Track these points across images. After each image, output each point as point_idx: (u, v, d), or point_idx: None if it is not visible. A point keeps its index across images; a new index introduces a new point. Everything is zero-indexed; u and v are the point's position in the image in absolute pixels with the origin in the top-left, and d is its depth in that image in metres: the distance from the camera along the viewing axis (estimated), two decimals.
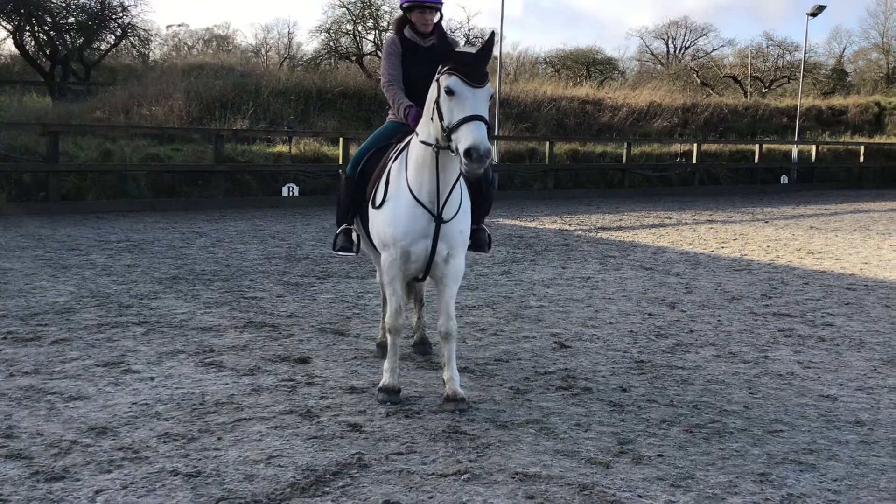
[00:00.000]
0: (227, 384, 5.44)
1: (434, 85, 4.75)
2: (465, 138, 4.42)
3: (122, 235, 12.12)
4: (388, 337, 5.29)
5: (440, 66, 4.73)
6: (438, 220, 4.95)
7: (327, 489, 3.91)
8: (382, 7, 36.12)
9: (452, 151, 4.59)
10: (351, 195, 5.57)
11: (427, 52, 5.46)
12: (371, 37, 37.40)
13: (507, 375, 5.84)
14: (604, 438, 4.67)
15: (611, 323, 7.57)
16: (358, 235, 5.69)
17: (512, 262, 10.83)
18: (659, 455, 4.44)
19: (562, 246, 12.44)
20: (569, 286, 9.27)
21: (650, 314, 7.97)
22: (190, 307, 7.66)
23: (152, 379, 5.50)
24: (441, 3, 5.55)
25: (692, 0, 73.05)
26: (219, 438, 4.50)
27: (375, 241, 5.28)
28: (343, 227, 5.67)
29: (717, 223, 16.28)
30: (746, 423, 5.00)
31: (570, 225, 15.22)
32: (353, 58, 37.12)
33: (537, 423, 4.88)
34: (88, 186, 15.74)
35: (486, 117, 4.56)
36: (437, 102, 4.67)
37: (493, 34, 4.84)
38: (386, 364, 5.27)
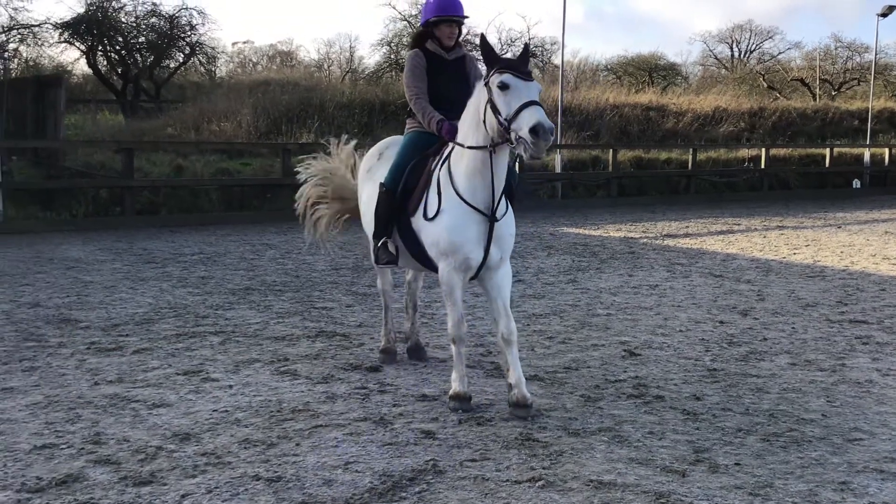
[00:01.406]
0: (302, 392, 5.56)
1: (481, 89, 4.99)
2: (528, 120, 4.60)
3: (195, 248, 12.44)
4: (453, 346, 5.34)
5: (487, 71, 4.96)
6: (492, 219, 5.10)
7: (404, 494, 3.98)
8: (466, 16, 36.40)
9: (513, 141, 4.73)
10: (392, 208, 5.53)
11: (452, 65, 5.72)
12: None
13: (577, 383, 5.84)
14: (678, 447, 4.64)
15: (681, 331, 7.50)
16: (396, 247, 5.61)
17: (577, 270, 10.79)
18: (736, 464, 4.40)
19: (627, 254, 12.36)
20: (636, 294, 9.21)
21: (721, 322, 7.87)
22: (263, 317, 7.83)
23: (231, 387, 5.66)
24: (466, 17, 5.76)
25: (758, 1, 71.64)
26: (297, 444, 4.61)
27: (432, 252, 5.28)
28: (383, 239, 5.61)
29: (787, 229, 15.96)
30: (825, 431, 4.92)
31: (635, 232, 15.10)
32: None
33: (610, 431, 4.87)
34: (162, 201, 16.18)
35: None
36: (489, 102, 4.85)
37: (526, 46, 5.36)
38: (454, 373, 5.34)
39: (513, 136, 4.70)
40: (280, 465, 4.33)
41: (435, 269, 5.37)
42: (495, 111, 4.80)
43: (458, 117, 5.28)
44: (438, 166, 5.32)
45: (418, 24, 5.83)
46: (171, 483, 4.09)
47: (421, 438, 4.72)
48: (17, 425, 4.88)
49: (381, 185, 5.57)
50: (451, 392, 5.31)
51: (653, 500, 3.94)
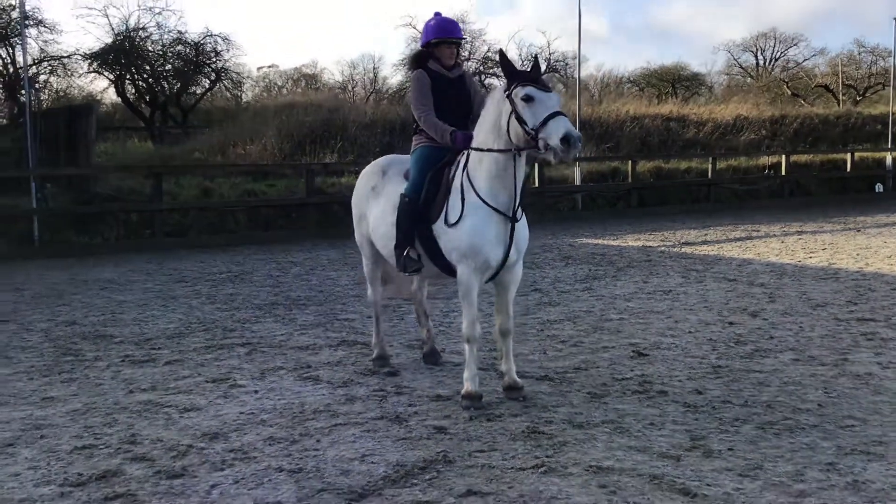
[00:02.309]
0: (323, 395, 5.90)
1: (501, 100, 5.35)
2: (558, 129, 4.99)
3: (223, 267, 12.86)
4: (466, 346, 5.64)
5: (507, 84, 5.31)
6: (513, 220, 5.46)
7: (415, 481, 4.28)
8: (464, 38, 36.97)
9: (542, 149, 5.10)
10: (415, 217, 5.74)
11: (455, 82, 6.04)
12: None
13: (584, 382, 6.12)
14: (676, 435, 4.91)
15: (690, 332, 7.74)
16: (419, 254, 5.86)
17: (593, 278, 11.06)
18: (729, 449, 4.66)
19: (644, 261, 12.59)
20: (650, 299, 9.45)
21: (731, 323, 8.10)
22: (287, 329, 8.19)
23: (256, 392, 6.00)
24: (464, 39, 6.12)
25: (784, 9, 71.45)
26: (318, 441, 4.93)
27: (453, 256, 5.56)
28: (407, 248, 5.83)
29: (806, 234, 16.09)
30: (819, 419, 5.16)
31: (653, 241, 15.32)
32: None
33: (612, 423, 5.15)
34: (190, 223, 16.66)
35: None
36: (513, 113, 5.22)
37: (535, 58, 5.73)
38: (466, 373, 5.64)
39: (541, 143, 5.07)
40: (301, 458, 4.65)
41: (453, 273, 5.66)
42: (520, 121, 5.17)
43: (463, 130, 5.68)
44: (457, 174, 5.64)
45: (417, 46, 6.14)
46: (201, 475, 4.43)
47: (433, 433, 5.03)
48: (58, 429, 5.25)
49: (403, 195, 5.81)
50: (463, 391, 5.61)
51: (647, 481, 4.21)
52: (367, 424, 5.23)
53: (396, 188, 6.02)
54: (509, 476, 4.32)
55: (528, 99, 5.16)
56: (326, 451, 4.77)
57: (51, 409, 5.69)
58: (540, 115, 5.09)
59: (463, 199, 5.49)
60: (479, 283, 5.55)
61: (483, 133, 5.50)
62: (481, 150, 5.47)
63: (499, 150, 5.38)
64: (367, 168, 6.58)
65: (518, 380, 5.77)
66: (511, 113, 5.23)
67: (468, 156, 5.61)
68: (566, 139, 4.94)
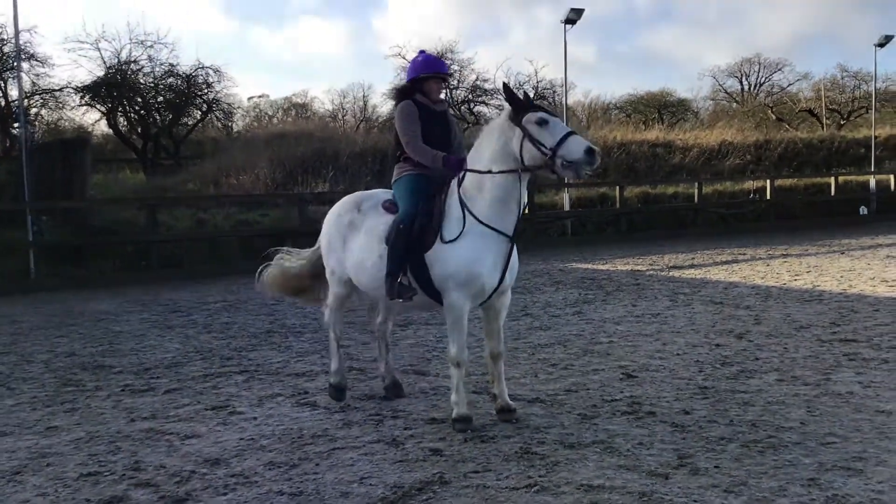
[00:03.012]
0: (321, 420, 6.05)
1: (510, 128, 5.60)
2: (579, 144, 5.31)
3: (218, 297, 13.01)
4: (454, 370, 5.75)
5: (515, 112, 5.58)
6: (513, 239, 5.68)
7: (412, 502, 4.44)
8: (452, 66, 37.29)
9: (559, 167, 5.38)
10: (409, 244, 5.77)
11: (440, 115, 6.25)
12: (442, 95, 38.55)
13: (575, 404, 6.29)
14: (664, 454, 5.08)
15: (678, 354, 7.93)
16: (409, 281, 5.86)
17: (584, 302, 11.25)
18: (715, 467, 4.83)
19: (633, 286, 12.80)
20: (638, 322, 9.65)
21: (717, 345, 8.30)
22: (284, 357, 8.34)
23: (255, 418, 6.15)
24: (450, 74, 6.41)
25: (770, 34, 72.35)
26: (317, 465, 5.09)
27: (447, 283, 5.61)
28: (400, 276, 5.84)
29: (791, 257, 16.36)
30: (801, 437, 5.34)
31: (642, 265, 15.55)
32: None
33: (602, 444, 5.32)
34: (185, 253, 16.82)
35: None
36: (527, 138, 5.48)
37: (504, 83, 5.93)
38: (454, 396, 5.77)
39: (558, 161, 5.35)
40: (301, 482, 4.80)
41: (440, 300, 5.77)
42: (536, 144, 5.42)
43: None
44: (450, 200, 5.77)
45: (402, 81, 6.31)
46: (204, 500, 4.58)
47: (429, 455, 5.19)
48: (64, 458, 5.39)
49: (397, 223, 5.83)
50: (454, 415, 5.75)
51: (637, 499, 4.38)
52: (365, 448, 5.38)
53: (376, 221, 6.11)
54: (503, 495, 4.48)
55: (542, 122, 5.43)
56: (325, 474, 4.92)
57: (55, 437, 5.83)
58: (557, 134, 5.37)
59: (463, 221, 5.64)
60: (470, 308, 5.73)
61: (486, 156, 5.68)
62: (487, 171, 5.62)
63: (506, 171, 5.57)
64: (338, 206, 6.60)
65: (510, 402, 5.95)
66: (523, 137, 5.48)
67: (461, 181, 5.78)
68: (589, 151, 5.25)
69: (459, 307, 5.65)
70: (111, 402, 6.75)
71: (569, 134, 5.38)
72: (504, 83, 5.95)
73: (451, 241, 5.63)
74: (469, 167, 5.77)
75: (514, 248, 5.80)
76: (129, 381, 7.50)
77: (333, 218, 6.53)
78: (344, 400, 6.53)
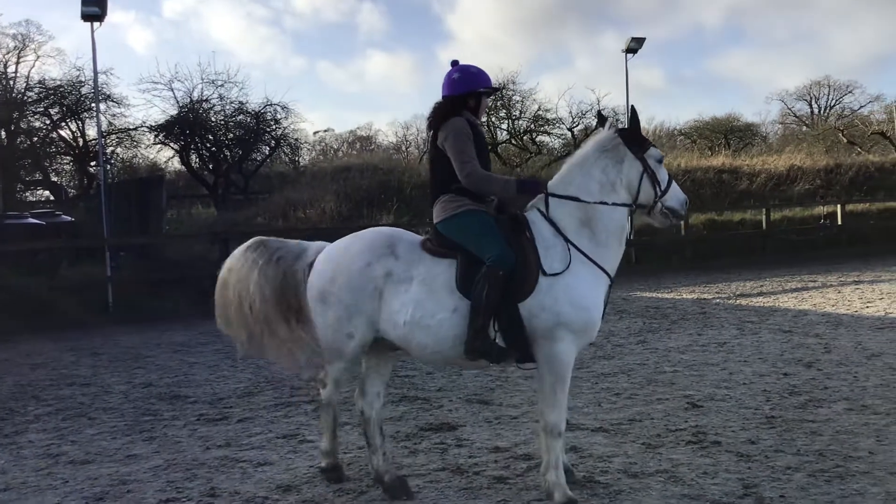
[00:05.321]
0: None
1: (631, 162, 5.10)
2: (679, 194, 5.24)
3: None
4: (552, 442, 4.89)
5: (639, 146, 5.13)
6: (612, 280, 5.18)
7: None
8: (514, 97, 37.50)
9: (656, 212, 5.17)
10: (505, 292, 4.84)
11: (481, 134, 5.38)
12: (504, 126, 38.75)
13: (639, 433, 6.31)
14: (729, 483, 5.09)
15: (744, 384, 7.87)
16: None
17: (648, 331, 11.22)
18: (781, 496, 4.83)
19: (699, 314, 12.70)
20: (704, 351, 9.59)
21: (785, 374, 8.21)
22: (352, 387, 8.51)
23: None
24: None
25: (843, 54, 71.10)
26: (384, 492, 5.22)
27: (558, 330, 4.81)
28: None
29: (864, 283, 15.99)
30: (870, 466, 5.29)
31: (707, 294, 15.38)
32: (489, 147, 38.39)
33: (666, 473, 5.34)
34: None
35: None
36: (648, 173, 5.10)
37: (633, 108, 5.34)
38: (551, 476, 4.89)
39: (658, 206, 5.15)
40: None
41: (529, 357, 4.93)
42: (654, 182, 5.12)
43: None
44: (539, 232, 5.01)
45: (450, 93, 5.33)
46: None
47: (493, 483, 5.29)
48: (143, 484, 5.64)
49: (493, 268, 4.78)
50: (556, 499, 4.81)
51: None
52: (430, 475, 5.50)
53: (434, 269, 4.99)
54: None
55: (660, 161, 5.20)
56: (393, 501, 5.05)
57: (134, 465, 6.09)
58: (664, 178, 5.16)
59: (569, 254, 4.93)
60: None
61: (595, 186, 5.05)
62: (600, 202, 5.04)
63: (619, 205, 5.09)
64: (357, 251, 5.16)
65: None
66: (643, 173, 5.10)
67: (545, 209, 5.07)
68: (685, 203, 5.21)
69: (567, 360, 4.84)
70: (187, 431, 7.01)
71: (671, 179, 5.20)
72: (632, 106, 5.34)
73: (556, 275, 4.85)
74: (563, 193, 5.09)
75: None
76: (204, 410, 7.77)
77: (355, 272, 5.08)
78: (343, 480, 5.48)
